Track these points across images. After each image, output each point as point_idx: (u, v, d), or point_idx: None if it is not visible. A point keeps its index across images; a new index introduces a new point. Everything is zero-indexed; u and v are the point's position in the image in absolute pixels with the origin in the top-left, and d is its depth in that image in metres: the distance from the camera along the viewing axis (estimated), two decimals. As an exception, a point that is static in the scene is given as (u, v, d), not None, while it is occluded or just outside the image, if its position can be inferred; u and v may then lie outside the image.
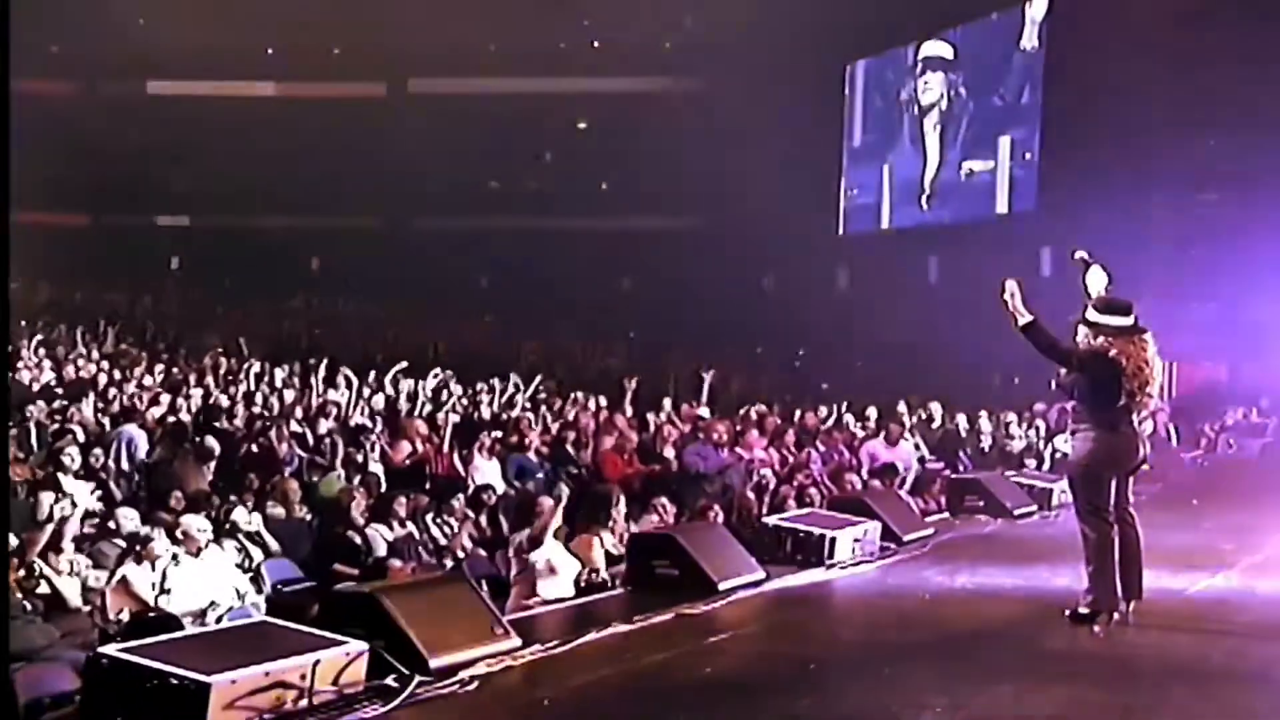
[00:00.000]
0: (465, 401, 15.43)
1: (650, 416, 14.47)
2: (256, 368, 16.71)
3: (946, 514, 11.23)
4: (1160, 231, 21.39)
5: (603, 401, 16.55)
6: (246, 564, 8.66)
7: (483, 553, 9.69)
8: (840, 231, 28.68)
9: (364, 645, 5.09)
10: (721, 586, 7.25)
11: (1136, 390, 6.48)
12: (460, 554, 9.58)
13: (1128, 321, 6.60)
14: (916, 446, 14.35)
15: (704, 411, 15.98)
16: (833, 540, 8.40)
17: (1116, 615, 6.53)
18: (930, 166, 26.87)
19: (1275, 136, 19.30)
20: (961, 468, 14.17)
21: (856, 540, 8.63)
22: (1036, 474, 12.58)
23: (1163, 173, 21.27)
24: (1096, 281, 6.95)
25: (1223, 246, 20.23)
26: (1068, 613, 6.61)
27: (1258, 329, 19.78)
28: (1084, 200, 21.55)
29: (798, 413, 16.22)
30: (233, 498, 9.70)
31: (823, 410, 17.19)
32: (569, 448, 12.98)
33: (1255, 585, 7.74)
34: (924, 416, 17.38)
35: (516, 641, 5.78)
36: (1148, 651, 6.15)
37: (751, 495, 11.36)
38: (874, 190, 28.05)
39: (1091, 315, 6.64)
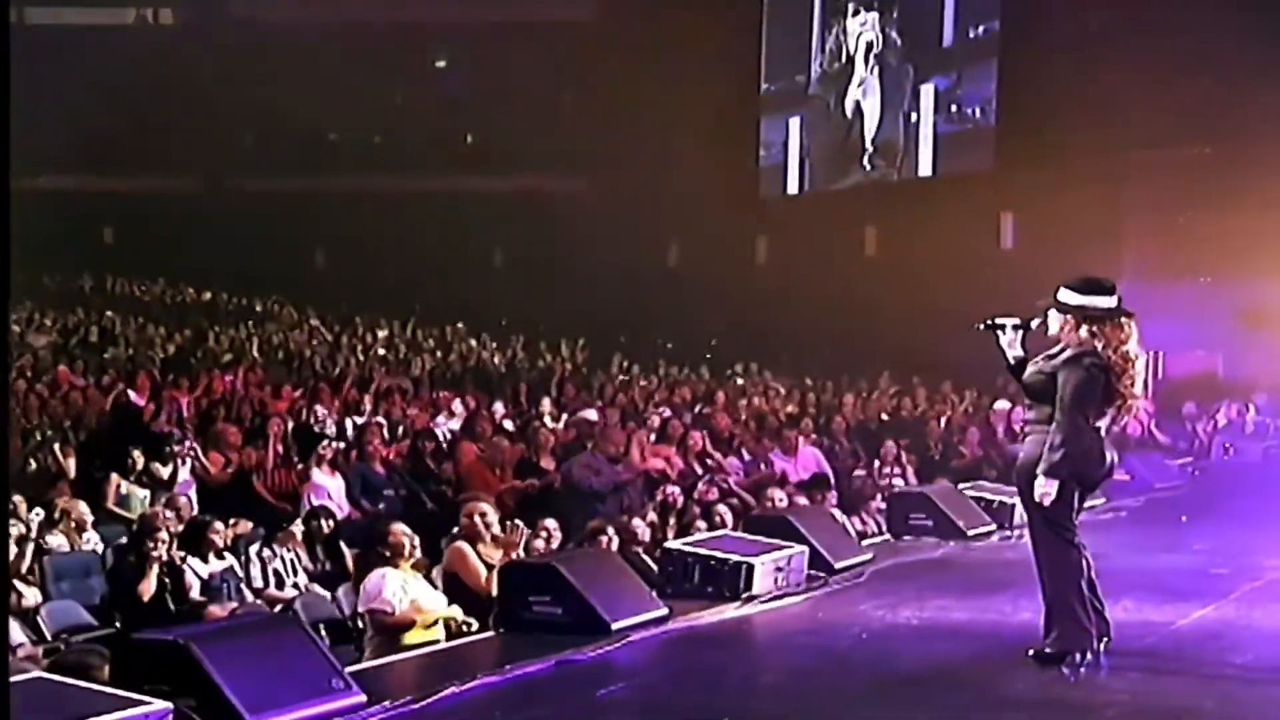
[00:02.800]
0: (302, 405, 15.30)
1: (529, 420, 14.46)
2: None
3: (888, 535, 11.36)
4: (1139, 196, 21.82)
5: (470, 403, 16.52)
6: (18, 606, 8.47)
7: (321, 590, 9.59)
8: (760, 195, 28.90)
9: (168, 706, 5.01)
10: (615, 626, 7.26)
11: (1126, 389, 6.61)
12: (293, 591, 9.46)
13: (1112, 303, 6.71)
14: (855, 455, 14.51)
15: (594, 414, 16.01)
16: (750, 568, 8.42)
17: (1089, 655, 6.65)
18: (868, 120, 27.18)
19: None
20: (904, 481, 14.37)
21: (779, 568, 8.67)
22: (995, 486, 12.75)
23: (1142, 124, 21.65)
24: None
25: (1214, 212, 20.64)
26: (1031, 652, 6.71)
27: (1258, 310, 20.19)
28: (1047, 160, 21.96)
29: (709, 414, 16.32)
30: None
31: (741, 410, 17.35)
32: (428, 460, 12.91)
33: (1254, 617, 7.90)
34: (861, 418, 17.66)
35: (360, 698, 5.72)
36: (1125, 698, 6.26)
37: (654, 515, 11.39)
38: (798, 146, 28.30)
39: (1069, 296, 6.72)
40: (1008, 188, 23.41)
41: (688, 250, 29.56)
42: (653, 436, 14.09)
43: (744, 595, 8.33)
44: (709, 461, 13.70)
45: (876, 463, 14.83)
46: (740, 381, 21.35)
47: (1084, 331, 6.63)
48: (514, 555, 8.21)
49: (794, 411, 18.31)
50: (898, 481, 14.23)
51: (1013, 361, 6.96)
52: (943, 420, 17.44)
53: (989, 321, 7.03)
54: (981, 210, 23.87)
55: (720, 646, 7.47)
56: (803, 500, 12.36)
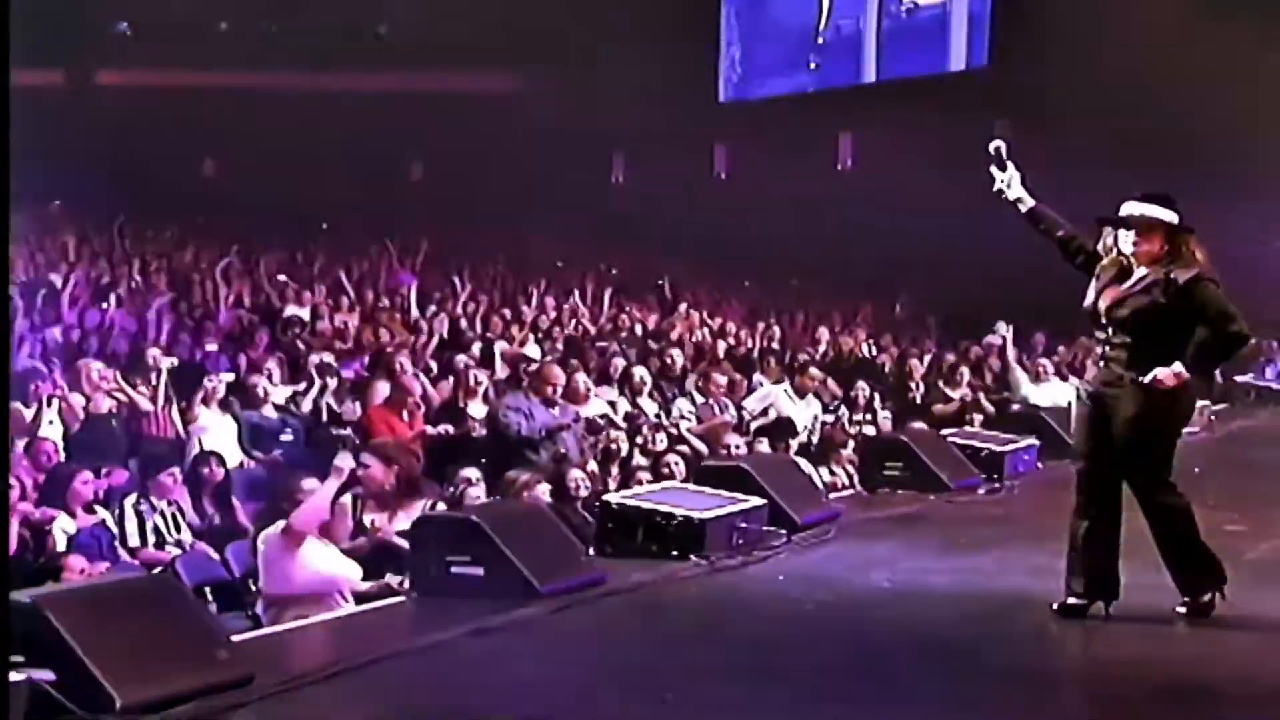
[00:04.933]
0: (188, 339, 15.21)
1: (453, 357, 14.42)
2: None
3: (859, 488, 11.42)
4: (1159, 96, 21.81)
5: (385, 336, 16.46)
6: None
7: (209, 549, 9.58)
8: (720, 98, 28.84)
9: (21, 678, 4.98)
10: (544, 590, 7.27)
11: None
12: (175, 550, 9.44)
13: (1175, 219, 6.97)
14: (817, 396, 14.56)
15: (532, 350, 16.00)
16: (701, 525, 8.46)
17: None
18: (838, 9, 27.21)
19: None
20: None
21: (735, 525, 8.71)
22: (983, 434, 12.86)
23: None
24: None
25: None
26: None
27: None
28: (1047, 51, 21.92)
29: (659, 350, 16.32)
30: None
31: (696, 342, 17.38)
32: (330, 400, 12.87)
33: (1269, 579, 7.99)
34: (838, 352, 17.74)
35: (248, 672, 5.71)
36: (1121, 671, 6.34)
37: (594, 465, 11.41)
38: (768, 38, 28.24)
39: (1157, 211, 6.93)
40: (1003, 88, 23.41)
41: (636, 161, 29.47)
42: (594, 375, 14.07)
43: (694, 555, 8.36)
44: (657, 403, 13.72)
45: (848, 405, 14.88)
46: (695, 313, 21.33)
47: (1168, 250, 6.90)
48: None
49: (756, 347, 18.38)
50: (870, 429, 14.31)
51: (1025, 210, 7.36)
52: (926, 358, 17.54)
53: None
54: (973, 114, 23.87)
55: (665, 613, 7.50)
56: (764, 448, 12.43)
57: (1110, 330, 7.01)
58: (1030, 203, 7.42)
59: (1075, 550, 7.12)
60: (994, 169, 7.50)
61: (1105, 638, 6.82)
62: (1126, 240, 6.99)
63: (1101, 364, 7.10)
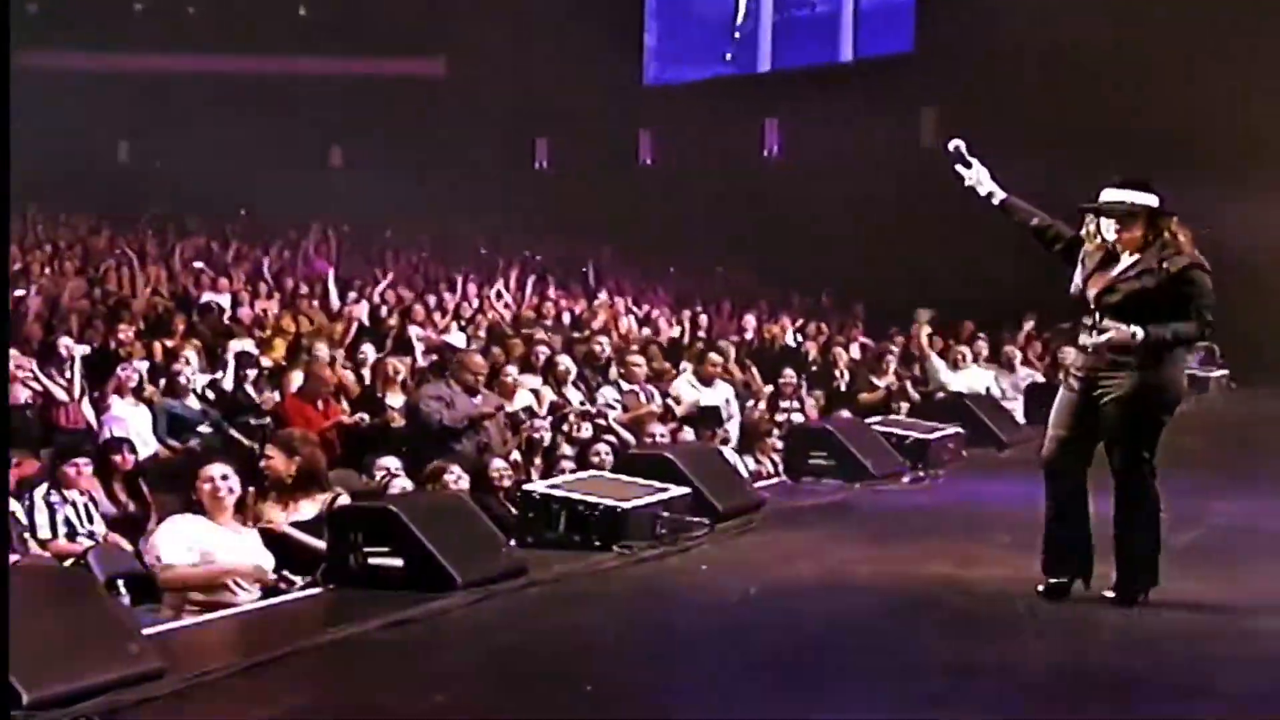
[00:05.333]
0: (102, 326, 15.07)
1: (369, 349, 14.35)
2: None
3: (784, 476, 11.45)
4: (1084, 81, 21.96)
5: (305, 324, 16.38)
6: None
7: (120, 540, 9.49)
8: (644, 81, 28.85)
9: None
10: (463, 581, 7.25)
11: None
12: (87, 542, 9.34)
13: (1155, 202, 7.09)
14: (728, 382, 14.56)
15: (454, 338, 15.95)
16: (623, 514, 8.46)
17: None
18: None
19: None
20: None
21: (657, 514, 8.70)
22: (909, 421, 12.91)
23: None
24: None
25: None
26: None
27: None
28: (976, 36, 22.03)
29: (584, 338, 16.33)
30: None
31: (621, 334, 17.38)
32: (248, 388, 12.78)
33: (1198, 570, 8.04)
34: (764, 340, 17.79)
35: (159, 665, 5.66)
36: (1046, 660, 6.38)
37: (518, 454, 11.39)
38: (688, 22, 28.26)
39: (1139, 197, 7.04)
40: (930, 75, 23.51)
41: (560, 145, 29.43)
42: (517, 364, 14.04)
43: (616, 546, 8.36)
44: (581, 392, 13.70)
45: (773, 393, 14.91)
46: (620, 301, 21.34)
47: (1152, 235, 7.00)
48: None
49: (682, 336, 18.41)
50: (797, 416, 14.34)
51: (998, 203, 7.51)
52: (853, 346, 17.62)
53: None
54: (902, 101, 24.00)
55: (587, 604, 7.48)
56: (689, 436, 12.45)
57: (1099, 316, 7.07)
58: (1002, 195, 7.54)
59: (1050, 530, 7.26)
60: (959, 167, 7.59)
61: (1028, 628, 6.85)
62: (1109, 227, 7.08)
63: (1090, 349, 7.13)
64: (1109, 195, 7.09)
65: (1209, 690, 5.77)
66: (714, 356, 14.50)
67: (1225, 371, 18.39)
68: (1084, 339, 7.18)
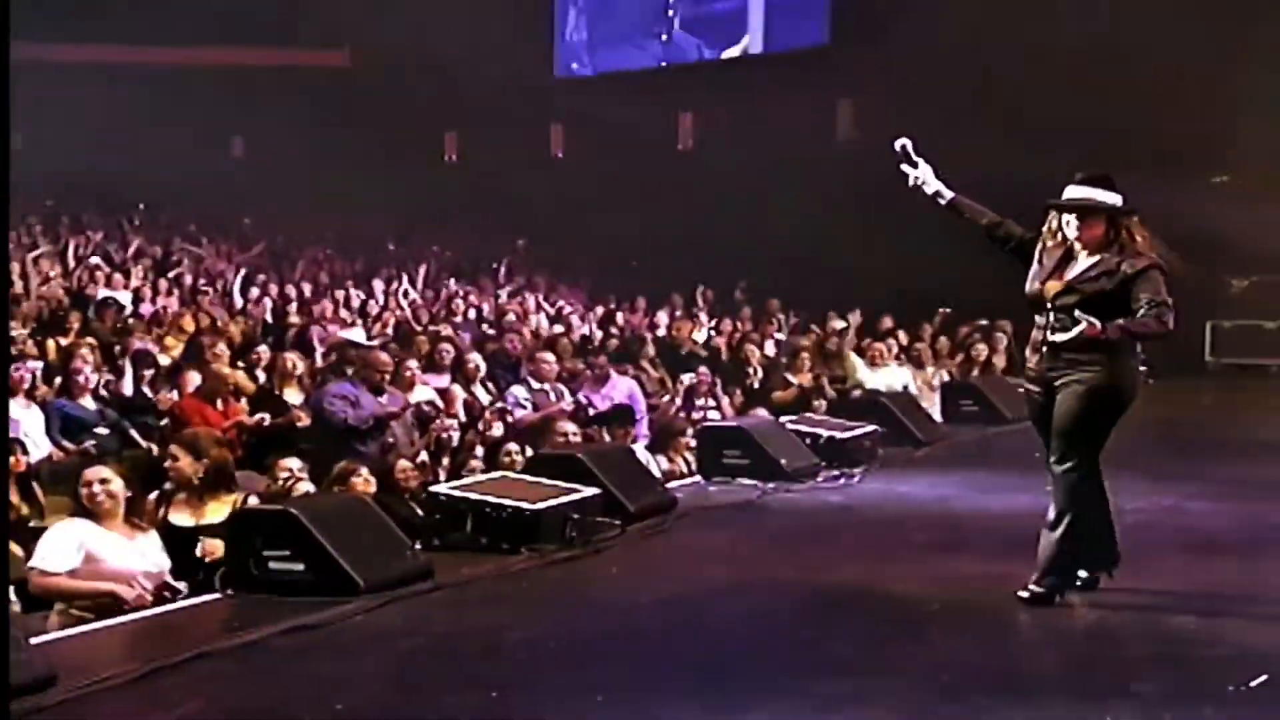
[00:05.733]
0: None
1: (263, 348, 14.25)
2: None
3: (698, 477, 11.46)
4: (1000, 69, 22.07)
5: (203, 321, 16.27)
6: None
7: (13, 545, 9.36)
8: (555, 74, 28.84)
9: None
10: (366, 585, 7.23)
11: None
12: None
13: (1117, 201, 7.14)
14: (662, 384, 14.61)
15: (357, 334, 15.87)
16: (532, 516, 8.46)
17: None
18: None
19: None
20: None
21: (567, 516, 8.71)
22: (825, 420, 12.95)
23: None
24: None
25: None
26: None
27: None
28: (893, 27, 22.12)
29: (495, 335, 16.31)
30: None
31: (534, 327, 17.36)
32: (145, 389, 12.67)
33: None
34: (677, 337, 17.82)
35: (49, 673, 5.61)
36: (956, 660, 6.42)
37: (425, 455, 11.35)
38: (602, 13, 28.27)
39: (1100, 194, 7.10)
40: (846, 68, 23.58)
41: (469, 138, 29.34)
42: (424, 362, 13.99)
43: (525, 548, 8.36)
44: (490, 391, 13.68)
45: (688, 391, 14.92)
46: (532, 297, 21.32)
47: (1113, 234, 7.08)
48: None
49: (596, 333, 18.41)
50: (713, 414, 14.37)
51: (945, 202, 7.58)
52: (768, 343, 17.67)
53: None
54: (817, 94, 24.08)
55: (494, 608, 7.46)
56: (604, 436, 12.44)
57: (1053, 316, 7.12)
58: (949, 195, 7.60)
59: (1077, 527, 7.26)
60: (904, 167, 7.66)
61: (940, 629, 6.90)
62: (1070, 225, 7.15)
63: (1044, 349, 7.19)
64: (1072, 192, 7.18)
65: (1122, 691, 5.82)
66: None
67: (1144, 367, 18.56)
68: (1037, 335, 7.24)
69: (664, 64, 27.57)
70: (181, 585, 7.55)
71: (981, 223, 7.54)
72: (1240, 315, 20.95)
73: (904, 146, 7.68)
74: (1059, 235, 7.20)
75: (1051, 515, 7.17)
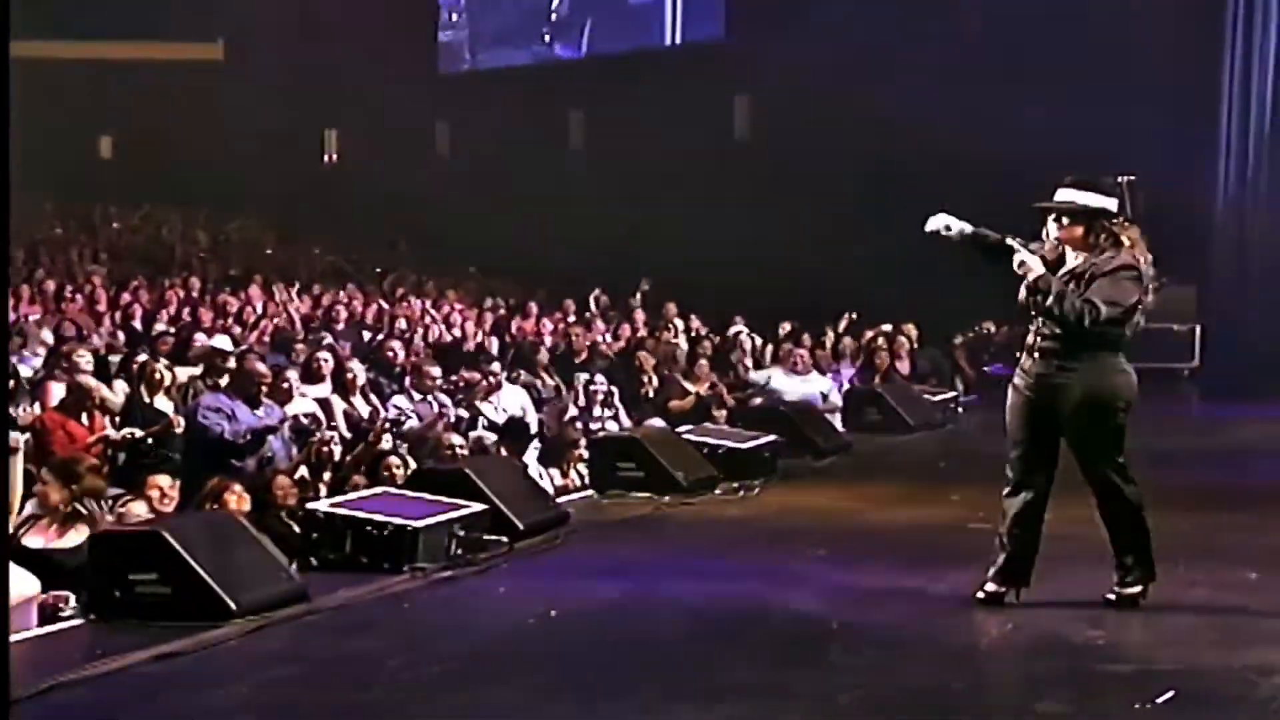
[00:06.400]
0: None
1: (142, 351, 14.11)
2: None
3: (591, 490, 11.44)
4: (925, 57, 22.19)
5: (68, 330, 16.07)
6: None
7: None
8: (439, 70, 28.81)
9: None
10: (238, 608, 7.16)
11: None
12: None
13: (1097, 202, 7.27)
14: (557, 392, 14.56)
15: (226, 342, 15.70)
16: (414, 534, 8.42)
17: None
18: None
19: None
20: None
21: (453, 532, 8.67)
22: (723, 430, 12.98)
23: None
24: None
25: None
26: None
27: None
28: (795, 23, 22.24)
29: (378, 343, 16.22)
30: None
31: (421, 334, 17.28)
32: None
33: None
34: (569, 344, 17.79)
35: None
36: (856, 680, 6.42)
37: (305, 470, 11.24)
38: (489, 7, 28.29)
39: (1088, 198, 7.22)
40: (742, 64, 23.64)
41: (350, 137, 29.21)
42: (303, 372, 13.86)
43: (407, 567, 8.33)
44: (371, 404, 13.57)
45: (582, 400, 14.88)
46: (417, 303, 21.21)
47: (1094, 236, 7.22)
48: None
49: (486, 341, 18.35)
50: (612, 425, 14.33)
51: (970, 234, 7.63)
52: (665, 350, 17.66)
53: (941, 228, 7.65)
54: (712, 90, 24.15)
55: (374, 632, 7.41)
56: (492, 449, 12.38)
57: (1041, 321, 7.27)
58: (969, 229, 7.65)
59: (1002, 533, 7.42)
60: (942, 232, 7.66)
61: (841, 647, 6.91)
62: (1053, 227, 7.32)
63: (1036, 355, 7.33)
64: (1058, 195, 7.33)
65: (1027, 710, 5.85)
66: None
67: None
68: (1030, 338, 7.38)
69: (553, 59, 27.54)
70: (68, 592, 7.45)
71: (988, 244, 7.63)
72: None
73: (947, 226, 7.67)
74: (1049, 239, 7.36)
75: (1107, 520, 7.42)
